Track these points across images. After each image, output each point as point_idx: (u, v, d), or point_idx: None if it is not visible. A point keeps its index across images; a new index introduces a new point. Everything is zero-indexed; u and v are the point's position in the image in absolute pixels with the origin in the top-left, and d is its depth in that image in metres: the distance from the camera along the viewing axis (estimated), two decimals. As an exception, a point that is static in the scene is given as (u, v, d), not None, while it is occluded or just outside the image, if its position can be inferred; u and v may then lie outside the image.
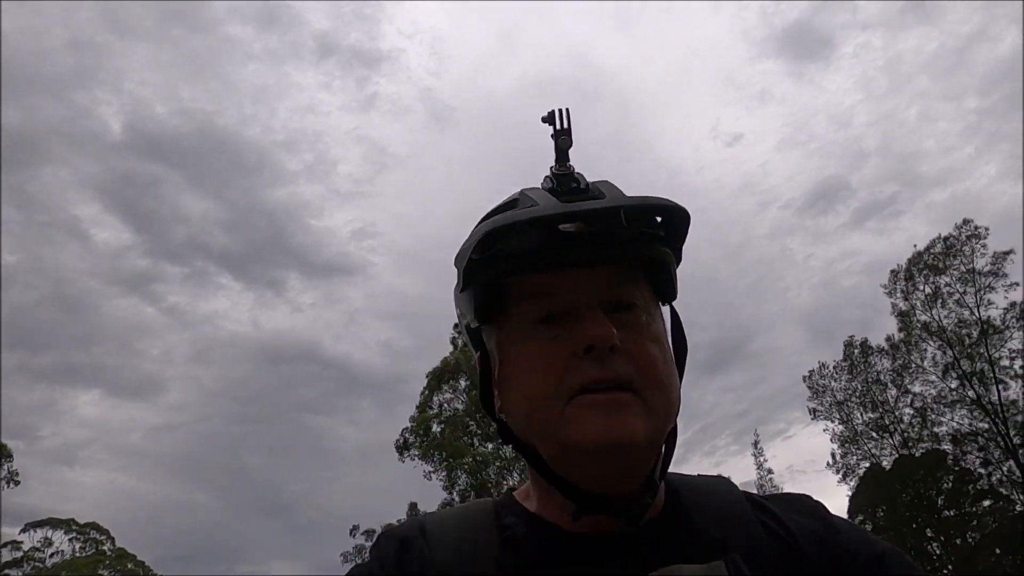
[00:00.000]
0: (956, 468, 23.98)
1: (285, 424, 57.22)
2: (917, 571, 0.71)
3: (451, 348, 23.86)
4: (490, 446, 22.43)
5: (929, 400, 25.51)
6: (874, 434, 27.05)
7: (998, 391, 23.34)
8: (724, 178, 65.40)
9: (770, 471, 30.59)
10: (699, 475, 0.81)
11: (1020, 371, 22.97)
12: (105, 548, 32.59)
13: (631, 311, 0.69)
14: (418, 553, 0.69)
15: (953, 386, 24.77)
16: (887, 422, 26.64)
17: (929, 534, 24.35)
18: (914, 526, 24.33)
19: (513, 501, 0.76)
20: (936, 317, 24.81)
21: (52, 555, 31.58)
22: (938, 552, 24.11)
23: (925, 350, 25.47)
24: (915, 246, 25.29)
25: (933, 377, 25.38)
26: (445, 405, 23.28)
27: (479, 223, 0.73)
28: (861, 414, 27.35)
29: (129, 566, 32.55)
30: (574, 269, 0.68)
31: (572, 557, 0.67)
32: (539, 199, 0.68)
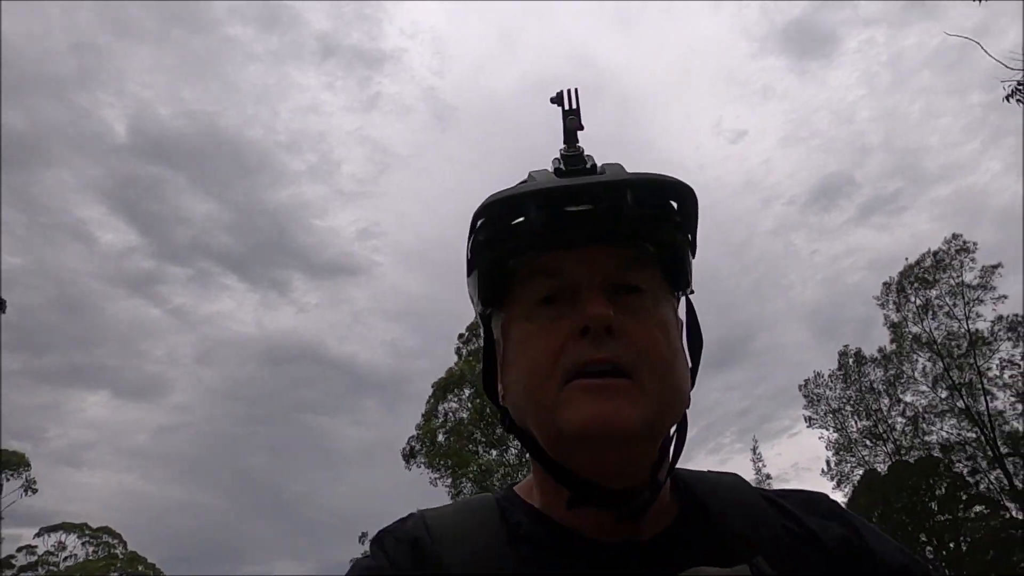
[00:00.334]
0: (949, 474, 24.57)
1: (290, 425, 57.62)
2: None
3: (456, 358, 24.47)
4: (494, 453, 23.02)
5: (920, 409, 26.17)
6: (867, 442, 27.64)
7: (986, 401, 24.00)
8: (727, 175, 65.22)
9: (768, 476, 31.24)
10: (709, 471, 0.78)
11: (1010, 380, 23.60)
12: (117, 552, 33.23)
13: (637, 294, 0.66)
14: (429, 555, 0.65)
15: (943, 396, 25.45)
16: (880, 430, 27.23)
17: (922, 539, 24.92)
18: (909, 530, 24.88)
19: (516, 496, 0.73)
20: (927, 329, 25.47)
21: (66, 559, 32.28)
22: (931, 556, 24.68)
23: (916, 361, 26.13)
24: (906, 259, 25.96)
25: (924, 387, 26.09)
26: (451, 415, 23.86)
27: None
28: (856, 422, 27.93)
29: (140, 568, 33.20)
30: (581, 248, 0.66)
31: (586, 559, 0.64)
32: (541, 178, 0.66)
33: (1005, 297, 23.62)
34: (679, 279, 0.72)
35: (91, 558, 32.41)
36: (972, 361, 24.29)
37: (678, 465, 0.70)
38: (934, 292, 24.95)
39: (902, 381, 26.48)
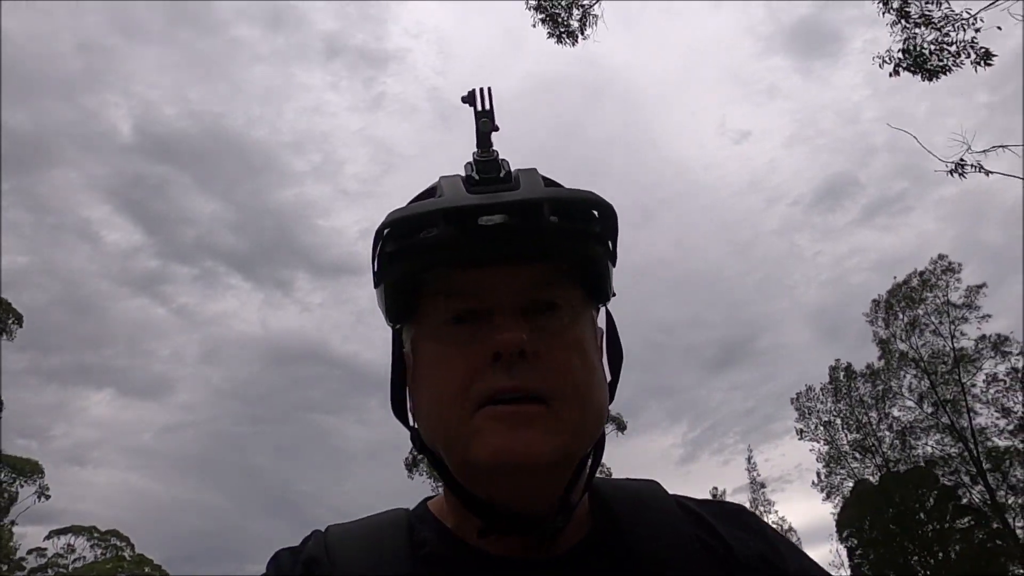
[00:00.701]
0: (939, 485, 25.21)
1: (294, 424, 57.86)
2: None
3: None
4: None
5: (907, 424, 26.75)
6: (857, 455, 28.18)
7: (969, 418, 24.60)
8: (731, 175, 65.11)
9: (763, 485, 31.97)
10: (628, 479, 0.77)
11: (995, 396, 24.27)
12: (125, 554, 33.93)
13: (553, 312, 0.63)
14: (323, 574, 0.64)
15: (929, 412, 26.09)
16: (869, 444, 27.78)
17: (911, 548, 25.53)
18: (897, 540, 25.46)
19: (428, 513, 0.71)
20: (914, 346, 26.11)
21: (74, 560, 33.00)
22: (919, 567, 25.32)
23: (904, 377, 26.76)
24: (895, 277, 26.65)
25: (911, 403, 26.71)
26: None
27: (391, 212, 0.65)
28: (846, 435, 28.46)
29: (147, 570, 33.90)
30: (493, 266, 0.62)
31: None
32: (448, 188, 0.63)
33: (989, 316, 24.35)
34: (599, 293, 0.69)
35: (99, 560, 33.14)
36: (957, 378, 24.89)
37: (597, 474, 0.70)
38: (921, 310, 25.62)
39: (890, 396, 27.10)
